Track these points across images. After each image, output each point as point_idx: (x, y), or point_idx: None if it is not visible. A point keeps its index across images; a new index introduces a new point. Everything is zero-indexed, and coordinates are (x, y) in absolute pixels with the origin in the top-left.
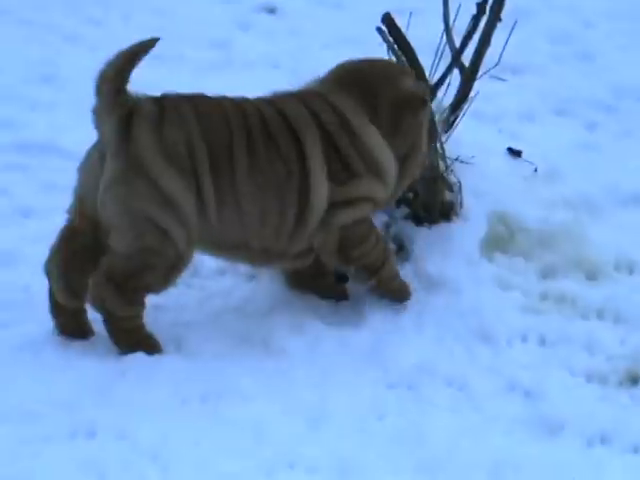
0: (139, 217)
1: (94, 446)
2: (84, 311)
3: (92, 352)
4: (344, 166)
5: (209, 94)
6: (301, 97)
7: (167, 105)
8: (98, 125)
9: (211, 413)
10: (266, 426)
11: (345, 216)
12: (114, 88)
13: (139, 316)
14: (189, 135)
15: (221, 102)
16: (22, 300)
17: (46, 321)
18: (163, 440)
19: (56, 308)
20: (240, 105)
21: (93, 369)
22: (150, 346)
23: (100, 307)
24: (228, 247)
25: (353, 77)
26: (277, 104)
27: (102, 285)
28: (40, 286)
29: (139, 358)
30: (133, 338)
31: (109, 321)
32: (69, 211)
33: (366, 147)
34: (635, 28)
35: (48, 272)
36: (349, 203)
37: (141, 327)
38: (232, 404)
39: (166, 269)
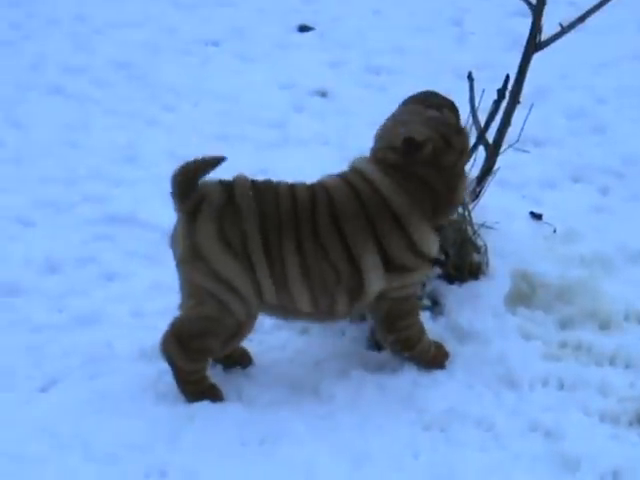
0: (200, 289)
1: None
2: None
3: (164, 400)
4: (397, 266)
5: (274, 179)
6: (348, 180)
7: (232, 196)
8: (175, 209)
9: (268, 455)
10: (315, 466)
11: (397, 293)
12: (185, 189)
13: (203, 370)
14: (247, 227)
15: (283, 195)
16: (106, 355)
17: (125, 373)
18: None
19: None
20: (296, 199)
21: (165, 415)
22: (213, 395)
23: (167, 360)
24: (286, 316)
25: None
26: (330, 192)
27: (169, 341)
28: (120, 342)
29: (205, 405)
30: (197, 389)
31: (175, 373)
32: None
33: (416, 245)
34: None
35: None
36: (403, 287)
37: (204, 379)
38: (286, 446)
39: (227, 336)
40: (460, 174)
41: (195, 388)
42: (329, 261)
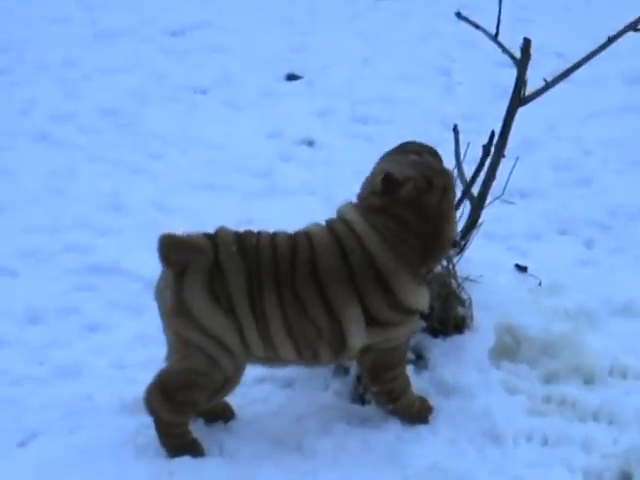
0: (188, 343)
1: None
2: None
3: (144, 455)
4: (380, 322)
5: (255, 229)
6: (334, 230)
7: (217, 252)
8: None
9: None
10: None
11: (384, 345)
12: (172, 254)
13: (186, 424)
14: (232, 283)
15: (264, 246)
16: (86, 408)
17: (105, 427)
18: None
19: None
20: (276, 249)
21: (144, 471)
22: (194, 450)
23: (150, 411)
24: (272, 364)
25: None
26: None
27: (154, 392)
28: (101, 395)
29: (185, 461)
30: (179, 443)
31: (158, 425)
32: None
33: (401, 302)
34: (628, 155)
35: None
36: (388, 340)
37: (187, 433)
38: None
39: (213, 390)
40: (446, 215)
41: (177, 442)
42: (308, 316)
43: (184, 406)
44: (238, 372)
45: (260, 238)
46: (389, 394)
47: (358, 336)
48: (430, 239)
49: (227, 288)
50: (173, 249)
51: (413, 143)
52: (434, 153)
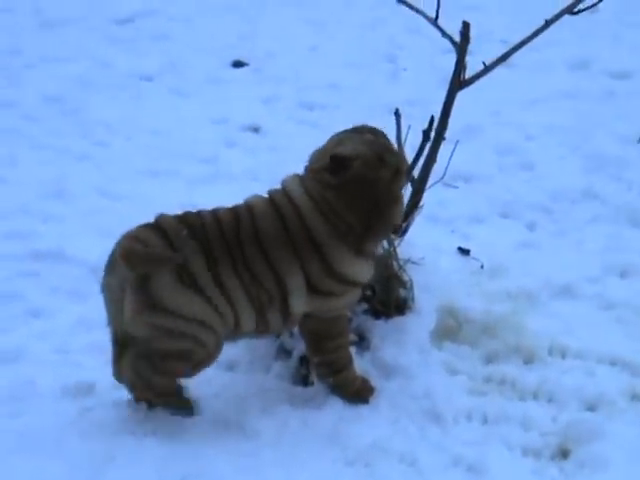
0: (167, 332)
1: None
2: None
3: (86, 438)
4: (320, 291)
5: (197, 210)
6: (275, 201)
7: (171, 242)
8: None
9: None
10: None
11: (325, 314)
12: (134, 262)
13: (173, 386)
14: (194, 265)
15: (209, 224)
16: (27, 393)
17: (46, 411)
18: None
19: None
20: (221, 224)
21: (85, 454)
22: (186, 405)
23: (132, 385)
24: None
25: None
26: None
27: (136, 360)
28: (43, 380)
29: (125, 443)
30: (177, 400)
31: (154, 402)
32: (108, 321)
33: (338, 272)
34: (570, 140)
35: (120, 381)
36: (329, 310)
37: (175, 392)
38: None
39: (199, 364)
40: (394, 196)
41: (174, 401)
42: (260, 283)
43: (166, 375)
44: (219, 348)
45: (203, 216)
46: (330, 366)
47: (300, 303)
48: (374, 219)
49: (191, 271)
50: (139, 264)
51: (368, 126)
52: (385, 135)
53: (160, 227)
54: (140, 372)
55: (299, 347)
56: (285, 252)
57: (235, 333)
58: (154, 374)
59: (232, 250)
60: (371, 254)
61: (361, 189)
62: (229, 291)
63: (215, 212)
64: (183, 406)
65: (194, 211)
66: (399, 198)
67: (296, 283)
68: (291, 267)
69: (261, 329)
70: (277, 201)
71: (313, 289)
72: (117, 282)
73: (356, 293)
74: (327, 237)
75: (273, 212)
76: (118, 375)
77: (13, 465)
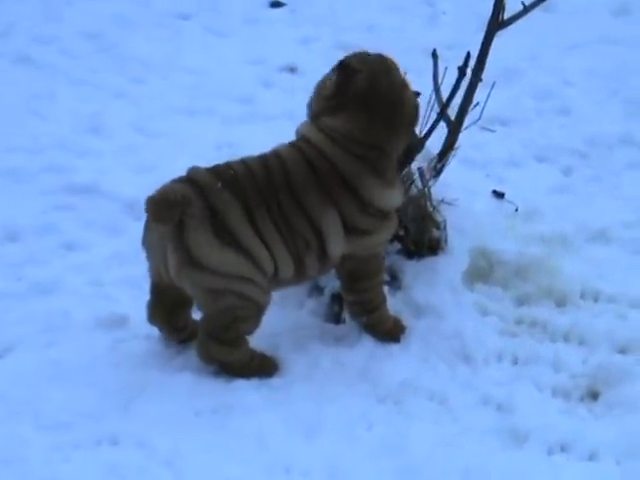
0: (210, 290)
1: (116, 453)
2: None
3: (117, 369)
4: (355, 230)
5: (226, 162)
6: (299, 147)
7: (206, 197)
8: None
9: (220, 424)
10: (267, 435)
11: (361, 253)
12: (164, 212)
13: (247, 351)
14: (232, 218)
15: (242, 174)
16: (62, 324)
17: (80, 342)
18: (177, 448)
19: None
20: (253, 173)
21: (117, 384)
22: (269, 367)
23: (213, 362)
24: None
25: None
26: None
27: (205, 342)
28: (78, 311)
29: (157, 374)
30: (251, 369)
31: (227, 369)
32: (150, 272)
33: (369, 205)
34: (609, 86)
35: (153, 324)
36: (365, 249)
37: (254, 356)
38: (239, 416)
39: (255, 317)
40: (406, 104)
41: (251, 368)
42: (296, 229)
43: (236, 340)
44: (266, 295)
45: (234, 167)
46: (364, 305)
47: (337, 244)
48: (393, 114)
49: (227, 224)
50: (163, 207)
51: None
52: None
53: (193, 180)
54: (215, 356)
55: (331, 284)
56: (315, 193)
57: (274, 282)
58: (228, 348)
59: (267, 198)
60: (399, 180)
61: (372, 103)
62: (267, 239)
63: (245, 162)
64: (266, 366)
65: (223, 164)
66: (411, 108)
67: (332, 226)
68: (325, 210)
69: (299, 275)
70: (298, 145)
71: (349, 229)
72: (157, 238)
73: (391, 228)
74: (353, 170)
75: (298, 155)
76: (152, 318)
77: (48, 392)
